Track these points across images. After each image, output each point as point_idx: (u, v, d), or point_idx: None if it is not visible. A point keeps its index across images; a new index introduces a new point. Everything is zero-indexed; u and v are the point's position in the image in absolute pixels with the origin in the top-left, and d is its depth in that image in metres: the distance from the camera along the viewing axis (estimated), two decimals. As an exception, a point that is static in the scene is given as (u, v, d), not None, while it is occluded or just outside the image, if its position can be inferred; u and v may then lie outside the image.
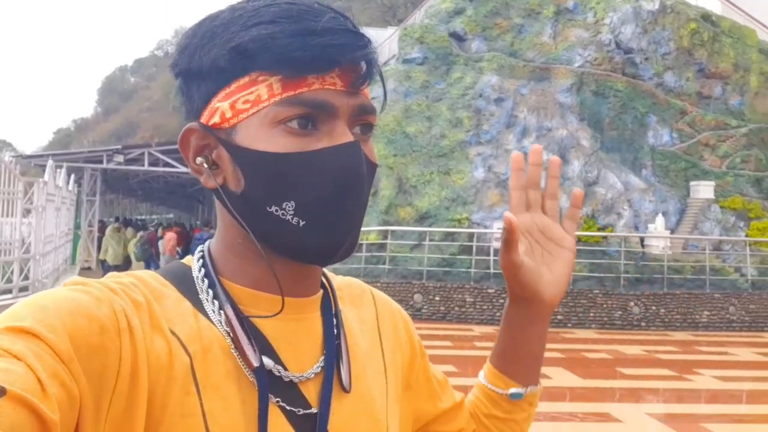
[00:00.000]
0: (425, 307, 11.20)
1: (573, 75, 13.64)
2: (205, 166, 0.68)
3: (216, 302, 0.67)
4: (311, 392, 0.68)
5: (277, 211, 0.65)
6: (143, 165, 19.52)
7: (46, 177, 12.03)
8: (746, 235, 12.73)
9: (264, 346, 0.66)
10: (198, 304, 0.67)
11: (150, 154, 19.30)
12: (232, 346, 0.65)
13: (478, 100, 13.44)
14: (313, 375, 0.68)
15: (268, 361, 0.65)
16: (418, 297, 11.23)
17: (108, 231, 15.55)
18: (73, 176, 17.81)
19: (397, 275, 11.61)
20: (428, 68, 13.99)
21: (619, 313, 11.19)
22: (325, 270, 0.77)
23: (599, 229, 12.20)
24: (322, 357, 0.70)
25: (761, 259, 12.49)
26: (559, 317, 11.04)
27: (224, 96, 0.66)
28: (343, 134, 0.65)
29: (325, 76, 0.64)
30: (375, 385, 0.75)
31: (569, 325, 11.07)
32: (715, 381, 7.67)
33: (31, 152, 37.36)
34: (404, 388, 0.82)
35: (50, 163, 13.03)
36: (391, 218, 12.30)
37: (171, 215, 43.91)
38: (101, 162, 19.48)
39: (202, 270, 0.70)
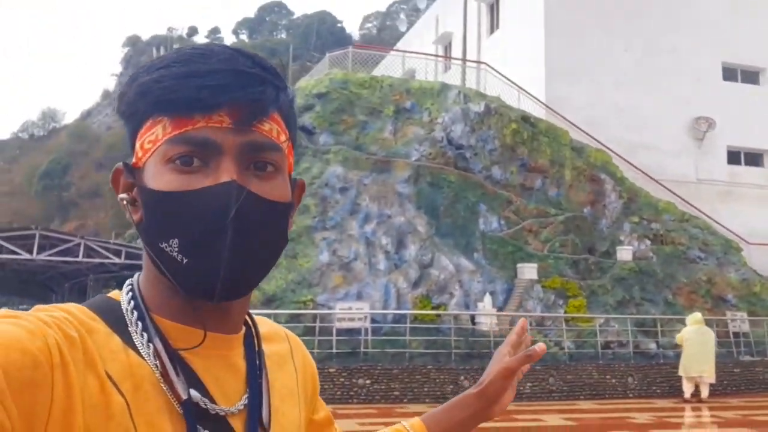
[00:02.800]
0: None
1: (410, 168, 14.96)
2: (125, 202, 0.71)
3: (145, 335, 0.68)
4: (238, 426, 0.70)
5: (166, 247, 0.66)
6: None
7: None
8: (565, 312, 14.15)
9: (192, 380, 0.68)
10: (127, 339, 0.67)
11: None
12: (161, 380, 0.66)
13: (324, 188, 14.33)
14: (237, 411, 0.70)
15: (195, 394, 0.66)
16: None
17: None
18: None
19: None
20: (279, 158, 14.79)
21: (451, 387, 11.92)
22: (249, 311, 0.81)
23: (433, 308, 13.13)
24: (246, 395, 0.72)
25: (577, 334, 13.89)
26: (395, 393, 11.60)
27: (139, 137, 0.70)
28: (224, 172, 0.66)
29: (212, 114, 0.66)
30: (291, 419, 0.78)
31: (405, 400, 11.64)
32: (513, 443, 8.46)
33: None
34: (307, 421, 0.88)
35: None
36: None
37: (25, 306, 40.82)
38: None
39: (132, 302, 0.70)
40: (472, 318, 13.36)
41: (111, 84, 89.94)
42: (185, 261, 0.65)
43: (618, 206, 17.08)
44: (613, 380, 12.97)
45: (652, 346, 14.29)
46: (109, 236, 33.34)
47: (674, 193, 19.46)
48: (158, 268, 0.68)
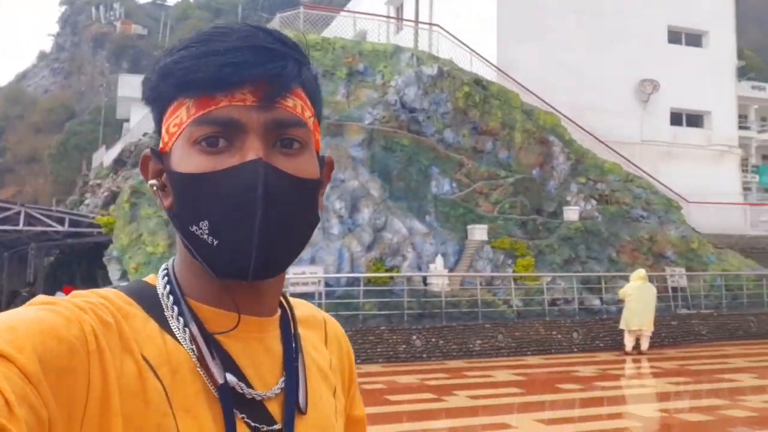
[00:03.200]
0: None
1: (364, 131, 14.92)
2: (154, 189, 0.71)
3: (181, 319, 0.68)
4: (275, 409, 0.70)
5: (197, 230, 0.66)
6: None
7: None
8: (513, 271, 14.55)
9: (229, 364, 0.68)
10: (163, 323, 0.67)
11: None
12: (198, 365, 0.66)
13: (276, 153, 14.19)
14: (273, 395, 0.70)
15: (231, 378, 0.66)
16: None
17: None
18: None
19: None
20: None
21: (404, 346, 12.21)
22: (284, 292, 0.80)
23: (386, 271, 13.32)
24: (283, 378, 0.72)
25: (525, 292, 14.34)
26: (349, 355, 11.80)
27: (164, 121, 0.70)
28: (250, 150, 0.65)
29: (234, 93, 0.66)
30: (328, 404, 0.78)
31: (358, 361, 11.85)
32: (465, 399, 8.76)
33: None
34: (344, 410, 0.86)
35: None
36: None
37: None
38: None
39: (167, 287, 0.71)
40: (424, 279, 13.61)
41: (47, 45, 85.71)
42: (215, 243, 0.65)
43: (566, 168, 17.48)
44: (559, 336, 13.49)
45: (596, 302, 14.88)
46: (50, 203, 32.21)
47: (619, 154, 20.01)
48: (191, 253, 0.68)
